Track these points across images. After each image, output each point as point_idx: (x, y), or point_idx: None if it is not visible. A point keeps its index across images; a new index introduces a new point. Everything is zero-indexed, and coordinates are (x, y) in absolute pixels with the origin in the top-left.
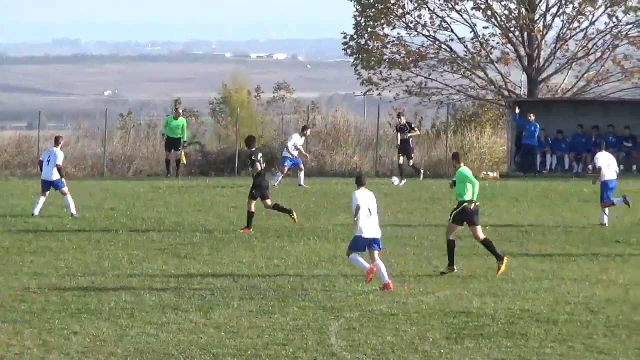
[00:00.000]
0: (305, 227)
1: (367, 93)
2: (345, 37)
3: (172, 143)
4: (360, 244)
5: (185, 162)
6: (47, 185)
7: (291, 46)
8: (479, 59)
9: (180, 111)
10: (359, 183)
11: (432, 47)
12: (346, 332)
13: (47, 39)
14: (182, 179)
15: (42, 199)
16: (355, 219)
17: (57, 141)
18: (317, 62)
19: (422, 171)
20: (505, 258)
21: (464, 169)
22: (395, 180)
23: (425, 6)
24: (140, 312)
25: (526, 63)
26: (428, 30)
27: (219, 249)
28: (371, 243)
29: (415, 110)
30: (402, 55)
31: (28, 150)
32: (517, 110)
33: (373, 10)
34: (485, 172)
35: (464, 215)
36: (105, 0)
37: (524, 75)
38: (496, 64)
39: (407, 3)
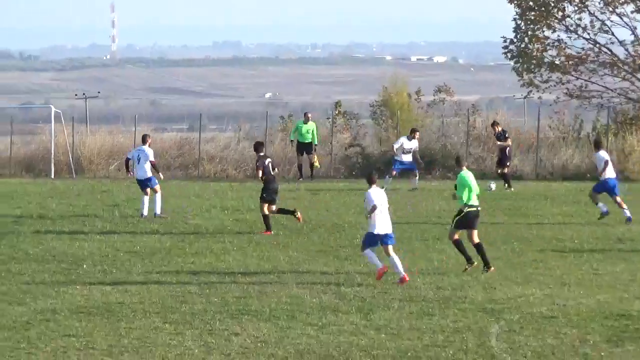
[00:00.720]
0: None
1: (528, 96)
2: (505, 41)
3: (304, 147)
4: (373, 240)
5: (318, 165)
6: (144, 184)
7: (451, 49)
8: (639, 62)
9: (309, 116)
10: (370, 182)
11: (592, 50)
12: (506, 334)
13: (208, 41)
14: (342, 182)
15: (146, 198)
16: (370, 216)
17: (144, 139)
18: (477, 64)
19: (510, 185)
20: (492, 268)
21: (464, 173)
22: (493, 186)
23: (585, 9)
24: (300, 314)
25: None
26: (588, 33)
27: (378, 251)
28: (384, 238)
29: (575, 113)
30: (561, 59)
31: (189, 152)
32: None
33: (533, 13)
34: None
35: (466, 220)
36: (266, 2)
37: None
38: None
39: (567, 6)
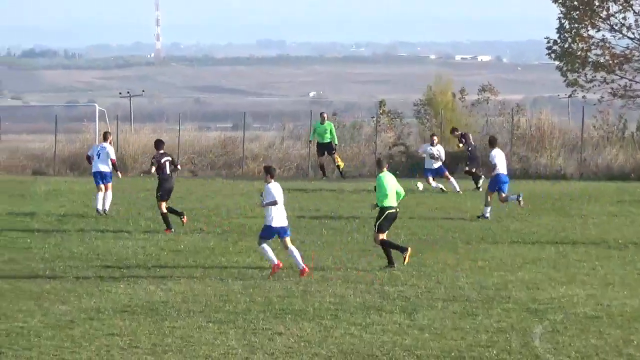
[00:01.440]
0: (510, 229)
1: (572, 95)
2: (548, 42)
3: (324, 147)
4: (270, 233)
5: (341, 164)
6: (101, 176)
7: (495, 48)
8: None
9: (325, 116)
10: (271, 176)
11: (637, 49)
12: (550, 334)
13: (252, 40)
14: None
15: (100, 194)
16: (268, 209)
17: (105, 137)
18: (521, 63)
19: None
20: (409, 250)
21: (383, 175)
22: (420, 185)
23: (630, 8)
24: (344, 313)
25: None
26: (633, 33)
27: (422, 251)
28: (280, 231)
29: (619, 113)
30: (606, 58)
31: (233, 151)
32: None
33: (577, 12)
34: None
35: (386, 221)
36: (310, 1)
37: None
38: None
39: (612, 5)
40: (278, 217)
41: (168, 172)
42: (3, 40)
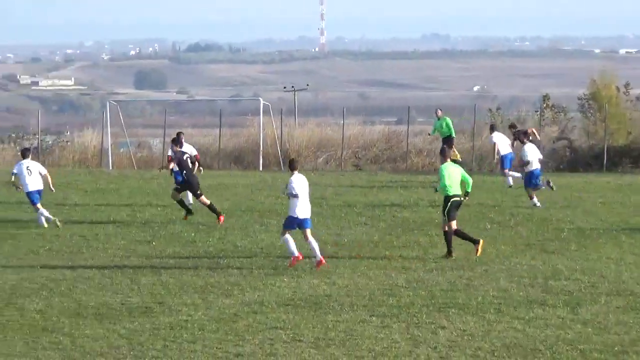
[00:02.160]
0: None
1: None
2: None
3: (444, 141)
4: (292, 223)
5: (457, 156)
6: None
7: None
8: None
9: (440, 112)
10: (293, 168)
11: None
12: None
13: (417, 34)
14: (550, 175)
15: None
16: (291, 200)
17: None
18: None
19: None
20: (481, 241)
21: (445, 165)
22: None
23: None
24: (507, 307)
25: None
26: None
27: (586, 245)
28: (302, 223)
29: None
30: None
31: (397, 145)
32: None
33: None
34: None
35: (451, 209)
36: None
37: None
38: None
39: None
40: (301, 208)
41: (190, 167)
42: (169, 35)
